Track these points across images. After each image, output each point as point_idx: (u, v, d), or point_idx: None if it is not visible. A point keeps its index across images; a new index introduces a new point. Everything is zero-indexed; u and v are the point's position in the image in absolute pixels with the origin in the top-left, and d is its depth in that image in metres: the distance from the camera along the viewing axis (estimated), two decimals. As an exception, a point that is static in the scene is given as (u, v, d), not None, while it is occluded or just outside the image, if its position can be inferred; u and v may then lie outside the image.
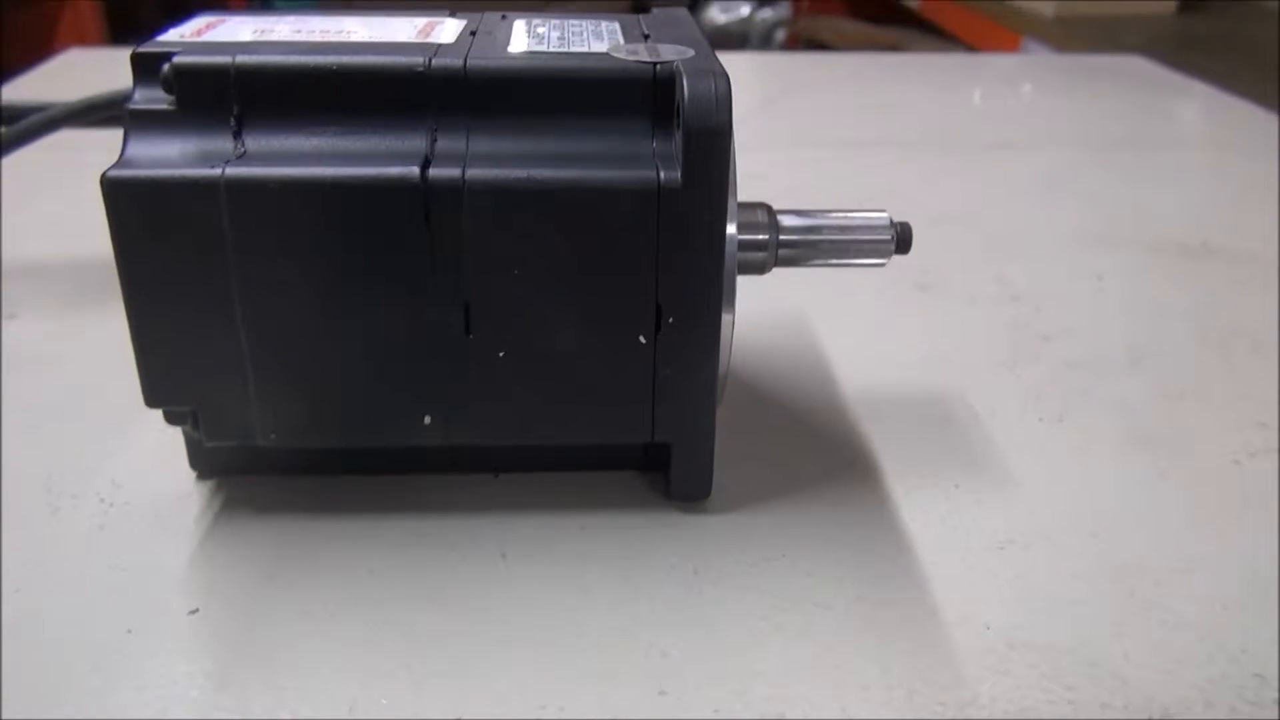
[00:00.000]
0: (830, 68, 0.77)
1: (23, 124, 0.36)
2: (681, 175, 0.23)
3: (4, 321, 0.35)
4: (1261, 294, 0.39)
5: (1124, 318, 0.38)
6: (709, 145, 0.22)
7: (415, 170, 0.22)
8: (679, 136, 0.23)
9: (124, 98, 0.35)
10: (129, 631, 0.22)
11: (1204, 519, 0.27)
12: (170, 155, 0.23)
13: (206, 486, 0.27)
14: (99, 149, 0.37)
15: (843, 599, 0.24)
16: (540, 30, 0.27)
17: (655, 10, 0.30)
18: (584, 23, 0.28)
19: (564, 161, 0.23)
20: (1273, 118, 0.64)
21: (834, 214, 0.28)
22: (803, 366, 0.33)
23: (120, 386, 0.30)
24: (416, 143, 0.23)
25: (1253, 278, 0.41)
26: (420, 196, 0.22)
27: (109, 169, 0.22)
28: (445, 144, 0.23)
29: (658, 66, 0.24)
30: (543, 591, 0.24)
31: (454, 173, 0.23)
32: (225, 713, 0.20)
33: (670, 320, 0.24)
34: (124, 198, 0.22)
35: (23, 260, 0.39)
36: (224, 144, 0.23)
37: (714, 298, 0.24)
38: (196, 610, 0.23)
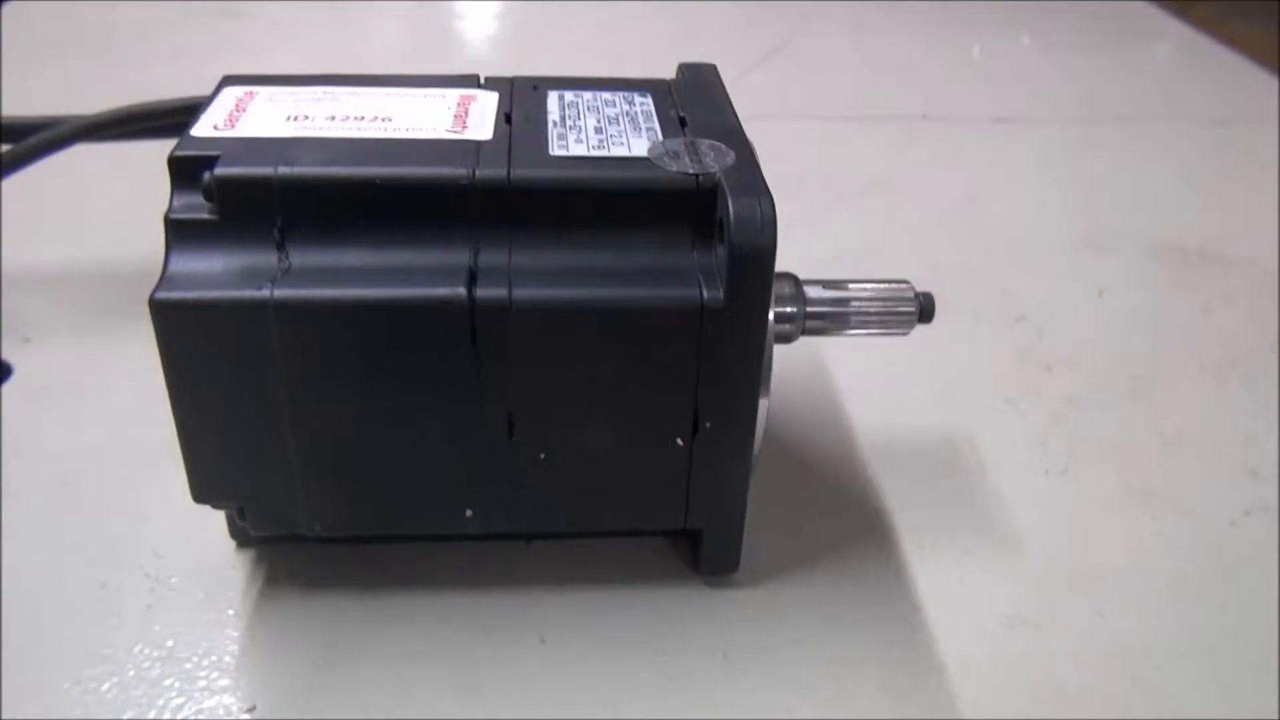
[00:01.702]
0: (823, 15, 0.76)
1: (30, 141, 0.35)
2: (724, 294, 0.23)
3: (21, 345, 0.35)
4: (1255, 312, 0.40)
5: (1124, 341, 0.39)
6: (754, 267, 0.23)
7: (462, 291, 0.23)
8: (721, 252, 0.23)
9: (137, 115, 0.34)
10: (192, 733, 0.23)
11: (1201, 591, 0.28)
12: (214, 270, 0.23)
13: (246, 556, 0.28)
14: (109, 158, 0.36)
15: (865, 690, 0.25)
16: (574, 113, 0.26)
17: (684, 69, 0.30)
18: (617, 99, 0.27)
19: (607, 277, 0.23)
20: (1273, 80, 0.64)
21: (858, 284, 0.29)
22: (814, 402, 0.34)
23: (145, 430, 0.31)
24: (460, 255, 0.23)
25: (1246, 289, 0.42)
26: (467, 315, 0.23)
27: (156, 290, 0.22)
28: (488, 257, 0.23)
29: (700, 179, 0.24)
30: (581, 681, 0.25)
31: (500, 292, 0.23)
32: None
33: (707, 425, 0.25)
34: (172, 319, 0.22)
35: (35, 274, 0.39)
36: (268, 257, 0.23)
37: (750, 402, 0.25)
38: (254, 709, 0.24)
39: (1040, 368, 0.37)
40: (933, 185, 0.49)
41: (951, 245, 0.44)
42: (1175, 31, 0.75)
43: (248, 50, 0.63)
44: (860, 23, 0.71)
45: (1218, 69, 0.67)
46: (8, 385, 0.34)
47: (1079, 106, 0.59)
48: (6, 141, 0.35)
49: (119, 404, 0.33)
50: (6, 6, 0.66)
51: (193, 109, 0.34)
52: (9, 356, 0.35)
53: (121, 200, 0.43)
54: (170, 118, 0.35)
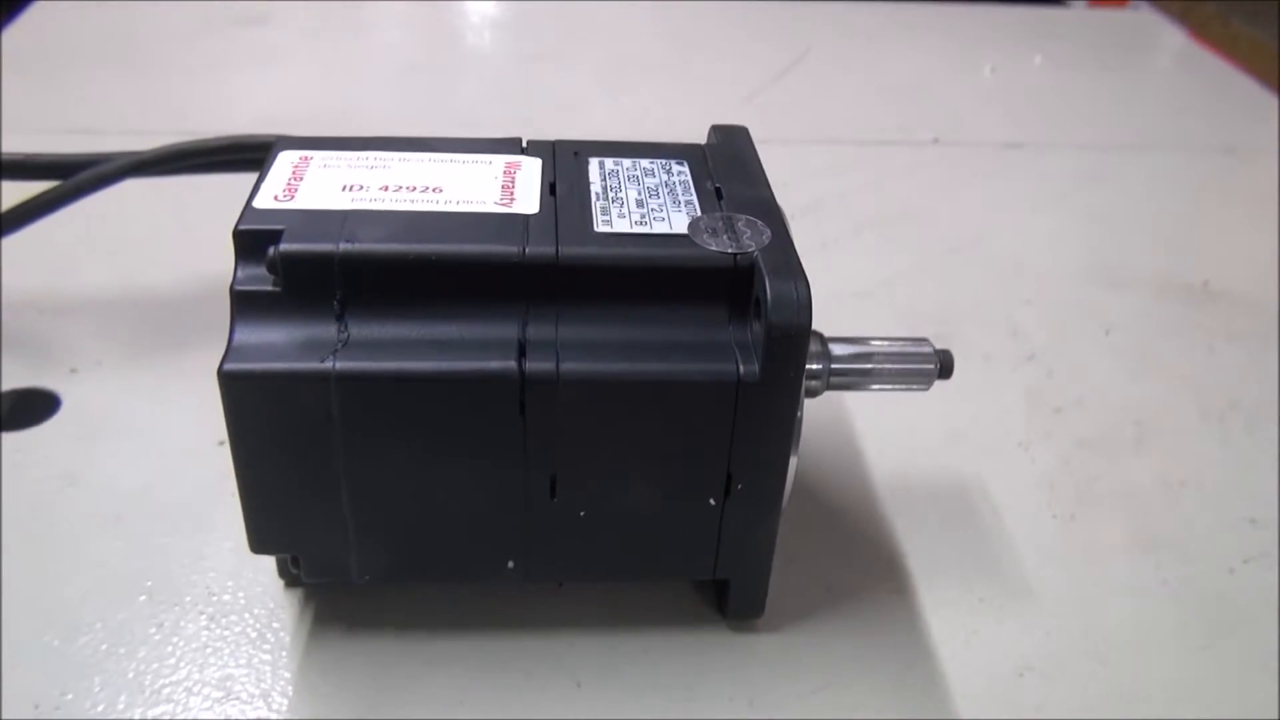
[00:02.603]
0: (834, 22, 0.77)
1: (80, 177, 0.36)
2: (760, 369, 0.24)
3: (68, 376, 0.36)
4: (1259, 352, 0.42)
5: (1130, 382, 0.40)
6: (789, 345, 0.24)
7: (513, 365, 0.24)
8: (758, 330, 0.25)
9: (185, 152, 0.36)
10: (252, 774, 0.25)
11: (1203, 639, 0.30)
12: (277, 341, 0.24)
13: (295, 595, 0.29)
14: (150, 191, 0.37)
15: (885, 738, 0.27)
16: (615, 183, 0.28)
17: (716, 132, 0.31)
18: (655, 168, 0.29)
19: (649, 351, 0.25)
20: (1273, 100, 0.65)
21: (881, 341, 0.30)
22: (836, 449, 0.36)
23: (194, 465, 0.33)
24: (509, 328, 0.25)
25: (1250, 329, 0.43)
26: (517, 388, 0.24)
27: (225, 362, 0.24)
28: (536, 330, 0.25)
29: (738, 258, 0.25)
30: (618, 729, 0.27)
31: (548, 366, 0.24)
32: None
33: (739, 486, 0.26)
34: (240, 389, 0.24)
35: (78, 305, 0.40)
36: (327, 329, 0.24)
37: (781, 464, 0.26)
38: (310, 751, 0.25)
39: (1049, 410, 0.38)
40: (943, 215, 0.51)
41: (965, 279, 0.45)
42: (1183, 49, 0.76)
43: (271, 59, 0.63)
44: (872, 42, 0.72)
45: (1226, 92, 0.68)
46: (56, 417, 0.35)
47: (1089, 131, 0.60)
48: (56, 177, 0.36)
49: (167, 437, 0.34)
50: (30, 12, 0.66)
51: (237, 148, 0.36)
52: (56, 388, 0.36)
53: (161, 232, 0.45)
54: (215, 155, 0.36)
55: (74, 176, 0.36)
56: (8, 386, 0.36)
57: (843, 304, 0.42)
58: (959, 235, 0.49)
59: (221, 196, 0.40)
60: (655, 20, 0.74)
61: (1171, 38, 0.79)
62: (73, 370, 0.37)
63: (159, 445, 0.34)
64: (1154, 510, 0.34)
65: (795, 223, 0.27)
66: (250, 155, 0.36)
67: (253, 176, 0.35)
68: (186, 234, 0.44)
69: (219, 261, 0.41)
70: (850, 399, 0.37)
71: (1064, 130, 0.61)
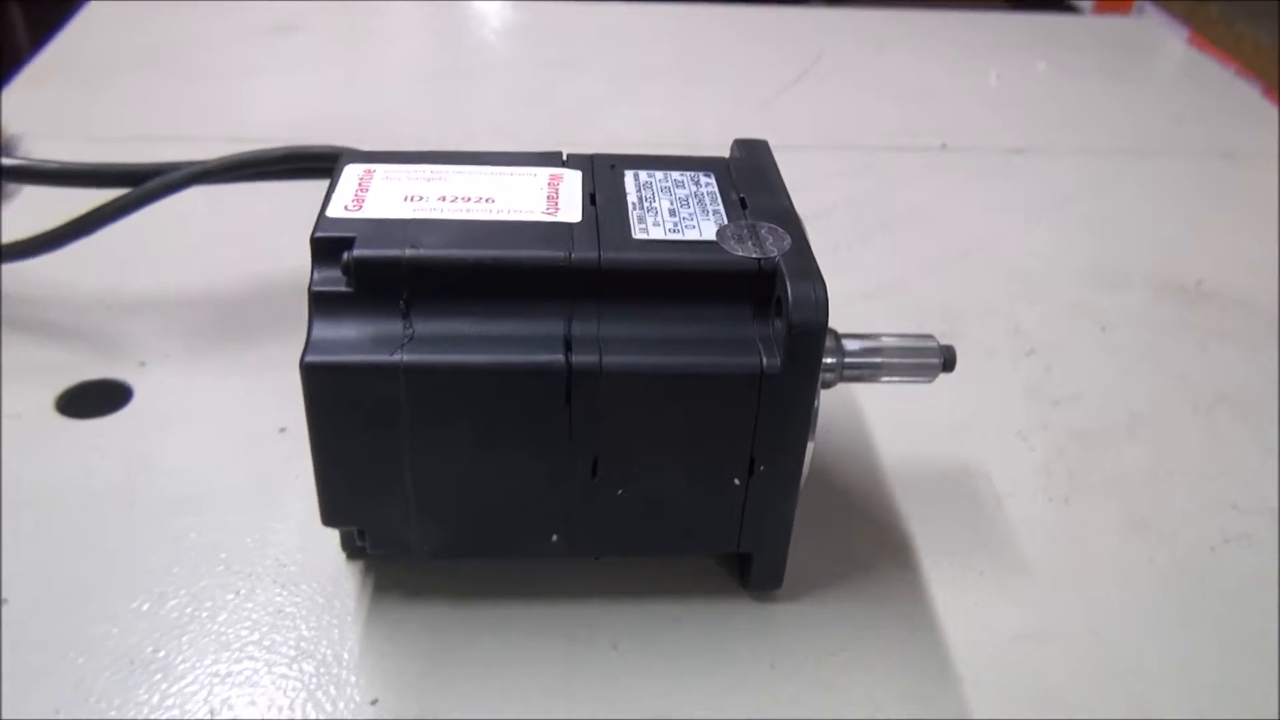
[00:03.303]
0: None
1: (149, 185, 0.39)
2: (782, 363, 0.27)
3: (137, 369, 0.39)
4: (1248, 350, 0.44)
5: (1124, 376, 0.43)
6: (808, 341, 0.27)
7: (560, 358, 0.27)
8: (779, 327, 0.27)
9: (245, 162, 0.39)
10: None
11: (1185, 611, 0.33)
12: (350, 337, 0.27)
13: (356, 567, 0.32)
14: (204, 196, 0.40)
15: (893, 696, 0.29)
16: (649, 194, 0.30)
17: (739, 146, 0.34)
18: (685, 179, 0.31)
19: (682, 346, 0.28)
20: (1272, 108, 0.68)
21: (889, 337, 0.33)
22: (848, 436, 0.38)
23: (257, 449, 0.36)
24: (556, 326, 0.28)
25: (1241, 328, 0.46)
26: (564, 379, 0.27)
27: (305, 354, 0.27)
28: (580, 327, 0.28)
29: (762, 262, 0.28)
30: (650, 685, 0.29)
31: (592, 359, 0.27)
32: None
33: (761, 467, 0.29)
34: (319, 379, 0.27)
35: (144, 302, 0.43)
36: (394, 326, 0.27)
37: (800, 448, 0.29)
38: (376, 701, 0.28)
39: (1048, 402, 0.41)
40: (951, 219, 0.53)
41: (969, 280, 0.48)
42: (1184, 56, 0.79)
43: (302, 65, 0.66)
44: (881, 49, 0.74)
45: (1225, 99, 0.70)
46: (129, 406, 0.38)
47: (1090, 137, 0.63)
48: (125, 185, 0.39)
49: (232, 425, 0.37)
50: (75, 22, 0.70)
51: (294, 157, 0.39)
52: (128, 379, 0.39)
53: (215, 237, 0.48)
54: (275, 164, 0.39)
55: (143, 185, 0.39)
56: (84, 378, 0.39)
57: (853, 303, 0.45)
58: (964, 238, 0.52)
59: (270, 203, 0.44)
60: (670, 28, 0.77)
61: (1173, 45, 0.82)
62: (142, 363, 0.40)
63: (224, 432, 0.37)
64: (1143, 495, 0.37)
65: (808, 226, 0.30)
66: (306, 164, 0.39)
67: (307, 184, 0.38)
68: (238, 238, 0.47)
69: (270, 263, 0.45)
70: (862, 391, 0.40)
71: (1066, 136, 0.63)
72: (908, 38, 0.76)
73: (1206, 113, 0.68)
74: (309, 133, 0.41)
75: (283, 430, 0.37)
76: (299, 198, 0.39)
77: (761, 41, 0.75)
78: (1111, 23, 0.91)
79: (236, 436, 0.37)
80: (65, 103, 0.59)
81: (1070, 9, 1.44)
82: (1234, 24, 1.25)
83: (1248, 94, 0.72)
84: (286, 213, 0.43)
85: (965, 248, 0.51)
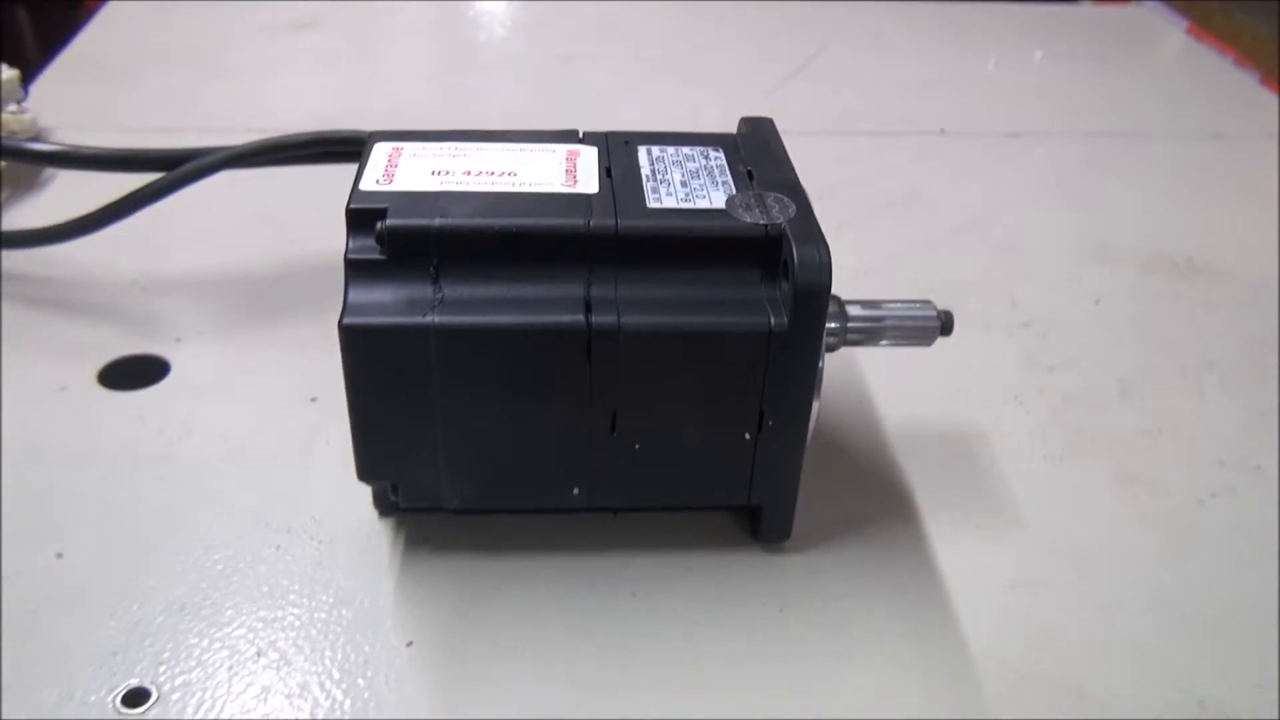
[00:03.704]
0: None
1: (184, 169, 0.41)
2: (789, 322, 0.29)
3: (174, 345, 0.41)
4: (1235, 319, 0.46)
5: (1117, 344, 0.44)
6: (812, 301, 0.29)
7: (581, 319, 0.29)
8: (786, 288, 0.29)
9: (274, 146, 0.40)
10: (366, 662, 0.30)
11: (1171, 558, 0.34)
12: (384, 300, 0.29)
13: (388, 523, 0.34)
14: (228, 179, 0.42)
15: (895, 635, 0.31)
16: (661, 167, 0.32)
17: (745, 123, 0.36)
18: (695, 154, 0.33)
19: (695, 306, 0.29)
20: (1265, 93, 0.69)
21: (890, 304, 0.35)
22: (852, 399, 0.40)
23: (290, 417, 0.37)
24: (576, 289, 0.29)
25: (1228, 298, 0.48)
26: (584, 338, 0.29)
27: (344, 317, 0.28)
28: (599, 290, 0.29)
29: (769, 228, 0.30)
30: (666, 628, 0.31)
31: (610, 319, 0.29)
32: (451, 732, 0.28)
33: (770, 422, 0.31)
34: (356, 340, 0.29)
35: (179, 282, 0.45)
36: (425, 290, 0.29)
37: (806, 404, 0.31)
38: (412, 643, 0.30)
39: (1043, 369, 0.43)
40: (950, 199, 0.55)
41: (967, 257, 0.50)
42: (1177, 42, 0.81)
43: (320, 61, 0.68)
44: (882, 39, 0.76)
45: (1217, 83, 0.72)
46: (167, 379, 0.40)
47: (1085, 121, 0.65)
48: (160, 170, 0.41)
49: (265, 395, 0.39)
50: (98, 18, 0.72)
51: (322, 141, 0.41)
52: (165, 354, 0.41)
53: (241, 220, 0.50)
54: (303, 149, 0.41)
55: (177, 169, 0.41)
56: (123, 353, 0.41)
57: (857, 278, 0.47)
58: (963, 217, 0.53)
59: (291, 189, 0.46)
60: (676, 21, 0.79)
61: (1167, 33, 0.83)
62: (178, 339, 0.42)
63: (258, 402, 0.39)
64: (1133, 453, 0.39)
65: (813, 206, 0.32)
66: (333, 148, 0.41)
67: (326, 172, 0.40)
68: (262, 223, 0.49)
69: (293, 245, 0.47)
70: (865, 360, 0.42)
71: (1062, 120, 0.65)
72: (909, 29, 0.78)
73: (1197, 96, 0.70)
74: (328, 125, 0.42)
75: (313, 400, 0.39)
76: (318, 184, 0.42)
77: (765, 34, 0.77)
78: (1110, 12, 0.92)
79: (270, 406, 0.39)
80: (91, 97, 0.61)
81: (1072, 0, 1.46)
82: (1232, 15, 1.27)
83: (1239, 79, 0.73)
84: (306, 198, 0.46)
85: (963, 226, 0.53)
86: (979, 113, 0.65)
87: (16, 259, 0.45)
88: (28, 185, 0.51)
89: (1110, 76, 0.72)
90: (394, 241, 0.29)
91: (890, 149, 0.60)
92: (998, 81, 0.71)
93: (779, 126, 0.36)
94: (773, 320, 0.29)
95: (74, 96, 0.61)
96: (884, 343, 0.35)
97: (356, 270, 0.29)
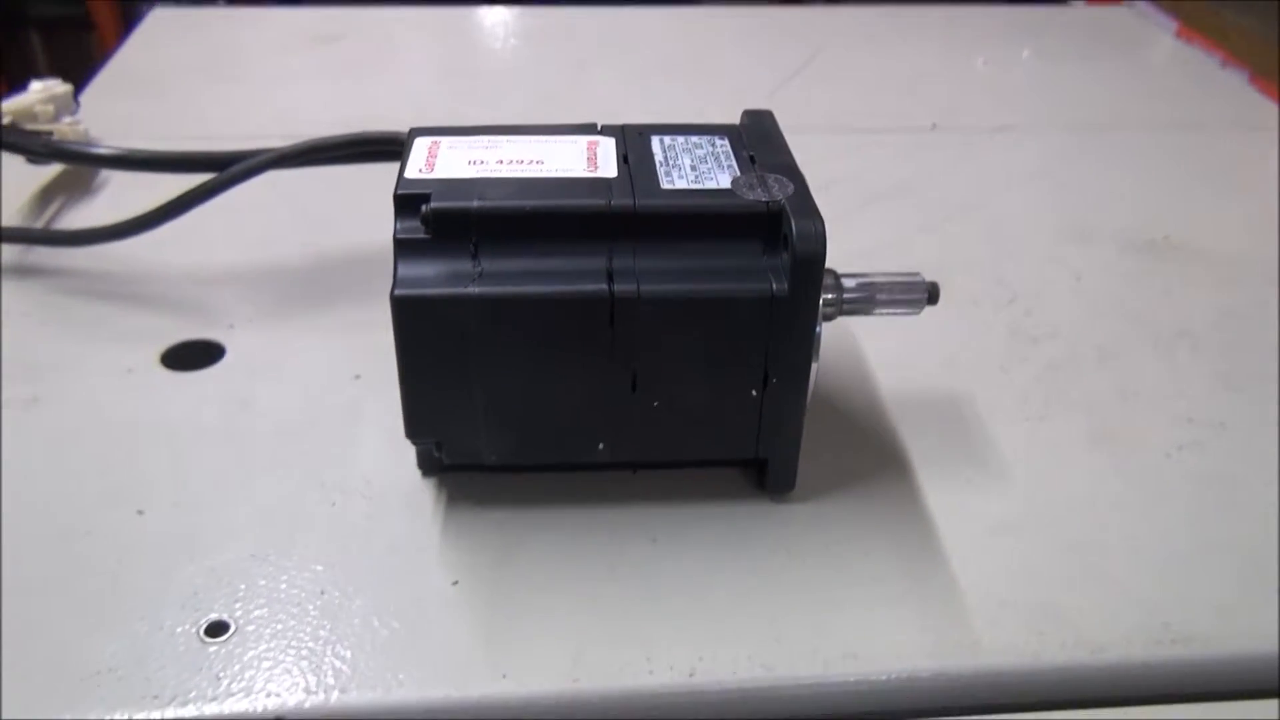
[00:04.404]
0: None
1: (232, 170, 0.45)
2: (789, 288, 0.33)
3: (227, 330, 0.45)
4: (1207, 292, 0.50)
5: (1096, 318, 0.48)
6: (810, 269, 0.32)
7: (604, 288, 0.32)
8: (786, 258, 0.33)
9: (317, 147, 0.44)
10: (418, 598, 0.33)
11: (1140, 504, 0.38)
12: (429, 274, 0.33)
13: (431, 482, 0.38)
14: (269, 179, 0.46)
15: (891, 573, 0.35)
16: (673, 154, 0.36)
17: (747, 115, 0.39)
18: (703, 141, 0.37)
19: (705, 275, 0.33)
20: (1242, 83, 0.73)
21: (881, 275, 0.38)
22: (850, 367, 0.44)
23: (336, 393, 0.41)
24: (599, 261, 0.33)
25: (1202, 274, 0.51)
26: (608, 306, 0.32)
27: (395, 289, 0.32)
28: (619, 262, 0.33)
29: (770, 205, 0.33)
30: (684, 568, 0.35)
31: (631, 288, 0.32)
32: (506, 669, 0.32)
33: (774, 380, 0.34)
34: (406, 310, 0.32)
35: (229, 273, 0.48)
36: (465, 265, 0.33)
37: (806, 364, 0.34)
38: (457, 582, 0.34)
39: (1027, 340, 0.46)
40: (941, 190, 0.59)
41: (957, 241, 0.54)
42: (1160, 40, 0.84)
43: (346, 72, 0.72)
44: (876, 41, 0.80)
45: (1200, 77, 0.76)
46: (224, 361, 0.43)
47: (1070, 114, 0.68)
48: (211, 170, 0.45)
49: (313, 374, 0.43)
50: (130, 43, 0.76)
51: (361, 141, 0.45)
52: (220, 339, 0.44)
53: (280, 216, 0.53)
54: (343, 149, 0.45)
55: (227, 169, 0.45)
56: (183, 338, 0.44)
57: (853, 261, 0.50)
58: (953, 205, 0.57)
59: (328, 188, 0.50)
60: (676, 29, 0.83)
61: (1154, 32, 0.87)
62: (230, 326, 0.45)
63: (307, 379, 0.42)
64: (1109, 414, 0.42)
65: (816, 199, 0.35)
66: (370, 148, 0.45)
67: (363, 171, 0.44)
68: (301, 220, 0.53)
69: (330, 239, 0.51)
70: (862, 332, 0.46)
71: (1048, 114, 0.69)
72: (902, 31, 0.82)
73: (1177, 88, 0.74)
74: (353, 130, 0.46)
75: (357, 377, 0.42)
76: (351, 184, 0.45)
77: (765, 39, 0.81)
78: (1100, 12, 0.96)
79: (318, 382, 0.42)
80: (132, 109, 0.65)
81: (1064, 1, 1.50)
82: (1220, 14, 1.31)
83: (1223, 75, 0.77)
84: (341, 197, 0.50)
85: (953, 213, 0.56)
86: (968, 109, 0.69)
87: (82, 255, 0.48)
88: (82, 190, 0.55)
89: (1092, 71, 0.75)
90: (437, 222, 0.33)
91: (884, 144, 0.64)
92: (986, 79, 0.74)
93: (780, 125, 0.40)
94: (774, 286, 0.33)
95: (116, 109, 0.65)
96: (877, 311, 0.38)
97: (404, 248, 0.33)
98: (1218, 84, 0.75)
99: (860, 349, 0.45)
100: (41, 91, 0.54)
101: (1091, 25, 0.87)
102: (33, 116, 0.53)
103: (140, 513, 0.36)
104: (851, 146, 0.63)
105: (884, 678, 0.32)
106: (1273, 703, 0.32)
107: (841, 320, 0.38)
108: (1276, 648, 0.33)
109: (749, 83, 0.73)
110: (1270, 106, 0.72)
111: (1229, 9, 1.27)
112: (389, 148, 0.44)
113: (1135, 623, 0.33)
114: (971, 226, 0.55)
